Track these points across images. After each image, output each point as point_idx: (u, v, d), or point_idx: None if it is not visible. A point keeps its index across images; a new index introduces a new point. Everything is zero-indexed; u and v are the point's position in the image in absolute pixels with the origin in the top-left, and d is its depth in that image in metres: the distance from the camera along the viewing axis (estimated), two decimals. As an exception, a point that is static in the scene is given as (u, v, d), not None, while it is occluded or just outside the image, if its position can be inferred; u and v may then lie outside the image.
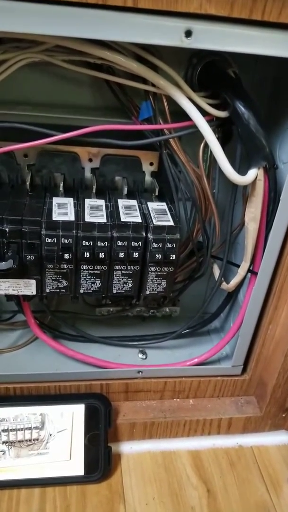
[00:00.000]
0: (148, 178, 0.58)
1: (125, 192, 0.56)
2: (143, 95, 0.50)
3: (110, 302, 0.66)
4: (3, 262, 0.47)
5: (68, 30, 0.37)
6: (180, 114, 0.48)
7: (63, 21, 0.37)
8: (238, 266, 0.58)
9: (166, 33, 0.39)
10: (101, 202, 0.54)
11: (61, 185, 0.55)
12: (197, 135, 0.48)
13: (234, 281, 0.58)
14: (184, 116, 0.47)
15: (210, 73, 0.50)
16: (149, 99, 0.49)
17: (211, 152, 0.49)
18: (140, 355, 0.66)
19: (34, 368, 0.61)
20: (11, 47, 0.47)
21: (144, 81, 0.48)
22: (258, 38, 0.40)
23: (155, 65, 0.47)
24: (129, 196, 0.56)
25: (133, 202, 0.55)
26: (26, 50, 0.46)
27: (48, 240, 0.49)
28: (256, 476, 0.61)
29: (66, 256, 0.50)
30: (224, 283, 0.60)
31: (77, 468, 0.56)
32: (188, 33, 0.39)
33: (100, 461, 0.57)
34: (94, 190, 0.55)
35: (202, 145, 0.51)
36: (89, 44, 0.44)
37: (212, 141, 0.47)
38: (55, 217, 0.49)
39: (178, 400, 0.66)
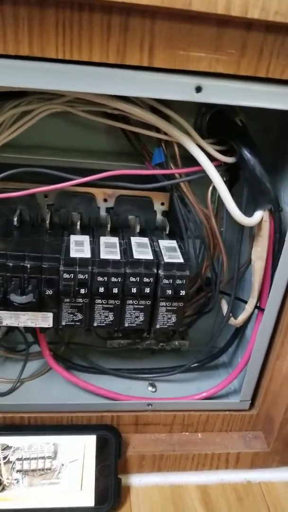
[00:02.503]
0: (159, 217, 0.61)
1: (138, 230, 0.59)
2: (155, 141, 0.54)
3: (121, 335, 0.68)
4: (24, 296, 0.50)
5: (90, 87, 0.41)
6: (190, 158, 0.51)
7: (86, 79, 0.40)
8: (245, 302, 0.59)
9: (178, 89, 0.42)
10: (115, 240, 0.56)
11: (78, 223, 0.58)
12: (206, 178, 0.51)
13: (242, 317, 0.60)
14: (194, 161, 0.50)
15: (218, 121, 0.53)
16: (162, 146, 0.52)
17: (219, 194, 0.52)
18: (150, 388, 0.67)
19: (47, 398, 0.63)
20: (35, 98, 0.51)
21: (157, 129, 0.52)
22: (263, 93, 0.44)
23: (167, 115, 0.50)
24: (141, 234, 0.59)
25: (145, 240, 0.57)
26: (49, 101, 0.51)
27: (66, 275, 0.51)
28: (264, 513, 0.61)
29: (82, 291, 0.52)
30: (232, 318, 0.62)
31: (88, 499, 0.57)
32: (198, 89, 0.42)
33: (110, 492, 0.58)
34: (108, 228, 0.58)
35: (210, 188, 0.53)
36: (107, 97, 0.48)
37: (220, 186, 0.50)
38: (73, 254, 0.52)
39: (186, 433, 0.66)
